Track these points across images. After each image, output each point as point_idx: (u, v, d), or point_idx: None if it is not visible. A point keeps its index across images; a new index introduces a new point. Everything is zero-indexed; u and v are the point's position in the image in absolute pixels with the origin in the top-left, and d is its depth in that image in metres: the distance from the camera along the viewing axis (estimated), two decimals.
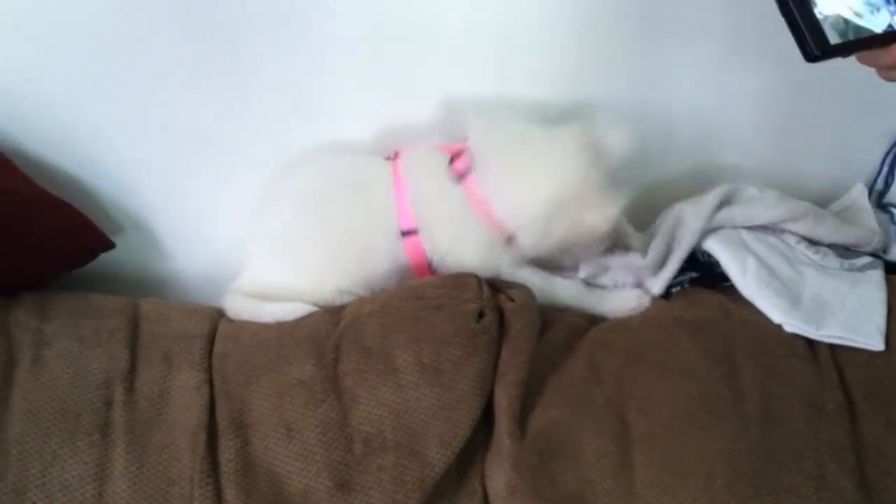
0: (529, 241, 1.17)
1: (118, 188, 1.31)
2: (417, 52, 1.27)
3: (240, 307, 1.19)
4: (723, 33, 1.29)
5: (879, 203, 1.39)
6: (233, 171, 1.33)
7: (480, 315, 1.08)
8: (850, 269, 1.24)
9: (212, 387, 1.06)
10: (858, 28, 0.75)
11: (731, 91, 1.36)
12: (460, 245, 1.19)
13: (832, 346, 1.12)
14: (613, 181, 1.16)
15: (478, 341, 1.06)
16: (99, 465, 0.97)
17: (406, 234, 1.18)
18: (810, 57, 0.74)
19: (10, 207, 1.11)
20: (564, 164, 1.14)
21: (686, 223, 1.24)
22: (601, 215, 1.14)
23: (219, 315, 1.19)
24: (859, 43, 0.75)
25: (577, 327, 1.17)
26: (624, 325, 1.17)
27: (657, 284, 1.22)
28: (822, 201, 1.41)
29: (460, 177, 1.18)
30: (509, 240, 1.18)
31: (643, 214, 1.35)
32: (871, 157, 1.43)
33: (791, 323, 1.13)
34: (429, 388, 1.02)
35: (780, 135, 1.41)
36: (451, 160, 1.20)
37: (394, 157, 1.24)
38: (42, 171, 1.24)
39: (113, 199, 1.31)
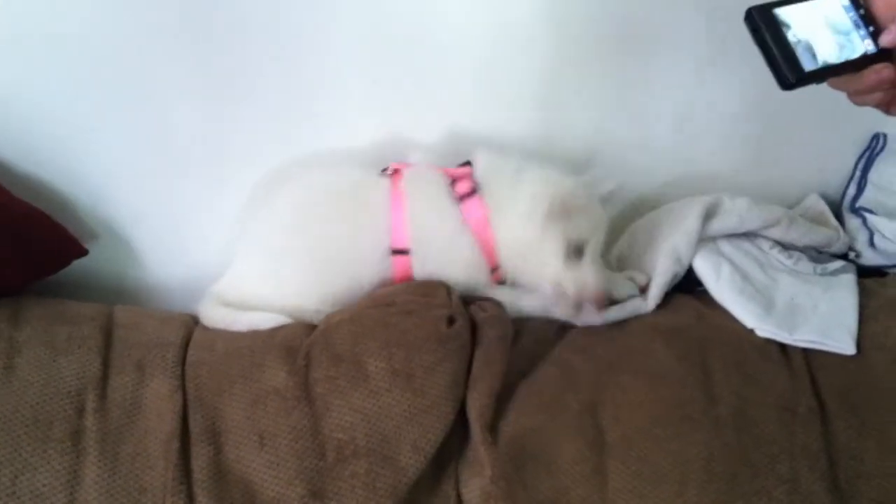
0: (529, 252, 1.18)
1: (93, 195, 1.29)
2: (415, 64, 1.28)
3: (215, 315, 1.18)
4: (698, 48, 1.31)
5: (853, 207, 1.40)
6: (211, 180, 1.32)
7: (451, 321, 1.08)
8: (823, 274, 1.25)
9: (185, 394, 1.05)
10: (833, 48, 0.76)
11: (707, 102, 1.37)
12: (450, 264, 1.19)
13: (805, 351, 1.13)
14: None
15: (449, 346, 1.06)
16: (70, 473, 0.96)
17: (397, 252, 1.18)
18: (786, 84, 0.75)
19: None
20: (553, 182, 1.18)
21: (679, 255, 1.24)
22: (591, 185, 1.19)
23: (193, 323, 1.18)
24: (833, 68, 0.76)
25: (548, 333, 1.17)
26: (598, 330, 1.17)
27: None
28: (792, 205, 1.44)
29: (461, 199, 1.18)
30: (494, 269, 1.20)
31: (626, 220, 1.38)
32: (843, 163, 1.45)
33: (764, 328, 1.14)
34: (401, 393, 1.02)
35: (755, 143, 1.43)
36: (453, 183, 1.21)
37: (391, 173, 1.23)
38: (14, 177, 1.23)
39: (87, 207, 1.30)
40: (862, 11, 0.78)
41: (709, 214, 1.26)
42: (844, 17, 0.78)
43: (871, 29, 0.78)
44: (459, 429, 1.06)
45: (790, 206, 1.41)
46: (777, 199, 1.37)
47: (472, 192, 1.19)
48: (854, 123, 1.41)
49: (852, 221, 1.39)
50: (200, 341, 1.12)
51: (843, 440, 1.05)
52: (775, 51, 0.74)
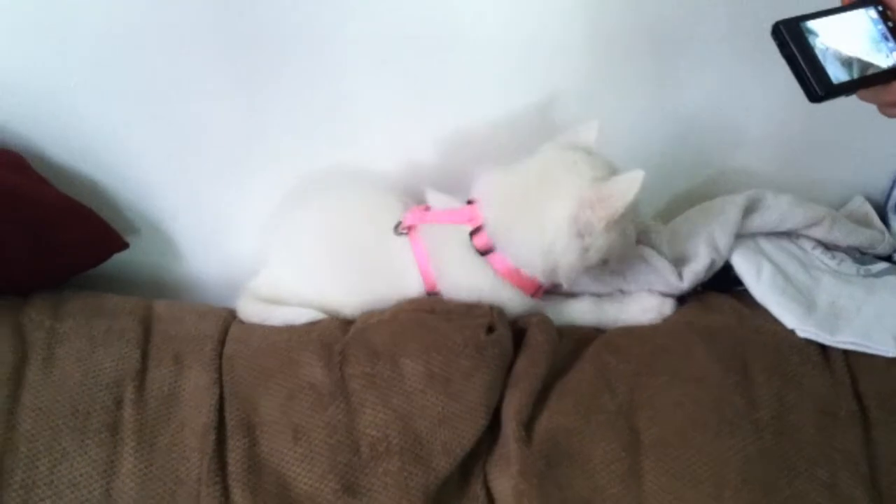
0: (571, 271, 1.11)
1: (134, 190, 1.31)
2: (443, 75, 1.28)
3: (251, 310, 1.19)
4: (736, 44, 1.29)
5: None
6: (249, 175, 1.33)
7: (490, 329, 1.08)
8: (867, 276, 1.23)
9: (221, 388, 1.06)
10: (861, 60, 0.76)
11: (746, 99, 1.36)
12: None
13: (846, 353, 1.10)
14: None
15: (487, 354, 1.06)
16: (107, 463, 0.98)
17: (431, 294, 1.17)
18: (814, 97, 0.75)
19: (25, 208, 1.12)
20: (568, 188, 1.08)
21: (716, 243, 1.22)
22: (624, 183, 1.05)
23: (231, 317, 1.19)
24: (861, 81, 0.76)
25: (585, 332, 1.17)
26: (635, 330, 1.16)
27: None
28: (836, 206, 1.41)
29: (484, 253, 1.13)
30: (539, 291, 1.17)
31: (666, 217, 1.37)
32: (889, 164, 1.42)
33: (805, 329, 1.12)
34: (436, 396, 1.02)
35: (795, 141, 1.41)
36: (472, 234, 1.13)
37: (407, 230, 1.17)
38: (58, 173, 1.25)
39: (128, 201, 1.32)
40: (890, 24, 0.78)
41: (750, 208, 1.25)
42: (872, 29, 0.77)
43: None
44: (489, 430, 1.05)
45: (835, 208, 1.39)
46: (821, 200, 1.35)
47: (492, 245, 1.12)
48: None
49: None
50: (237, 335, 1.13)
51: (885, 445, 1.03)
52: (803, 64, 0.74)
